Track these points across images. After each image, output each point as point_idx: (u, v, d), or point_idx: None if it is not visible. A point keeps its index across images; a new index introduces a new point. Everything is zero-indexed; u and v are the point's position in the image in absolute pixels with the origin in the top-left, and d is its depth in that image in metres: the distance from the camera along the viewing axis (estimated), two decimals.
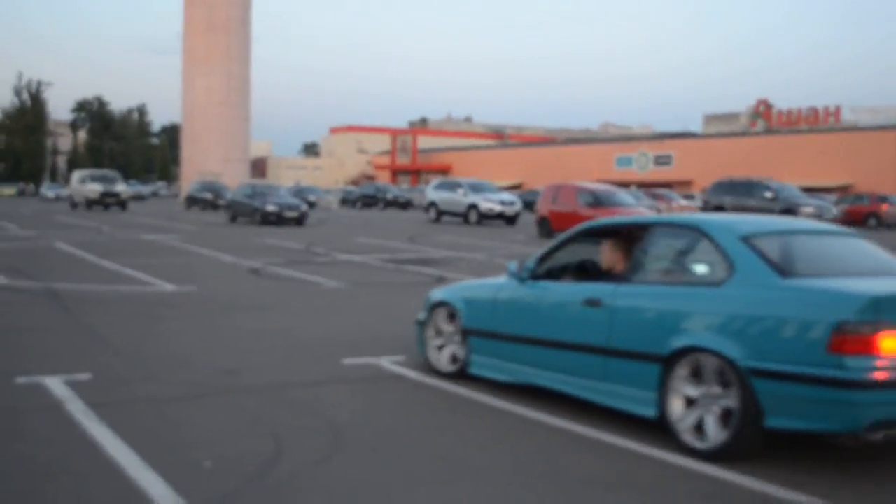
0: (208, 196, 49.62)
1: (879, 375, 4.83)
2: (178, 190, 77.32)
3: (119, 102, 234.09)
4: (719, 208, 33.74)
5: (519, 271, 7.03)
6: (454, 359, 7.55)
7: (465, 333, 7.37)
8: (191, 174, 64.52)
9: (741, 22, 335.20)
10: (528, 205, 44.73)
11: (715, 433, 5.36)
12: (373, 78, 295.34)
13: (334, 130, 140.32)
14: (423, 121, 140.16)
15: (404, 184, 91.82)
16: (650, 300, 5.95)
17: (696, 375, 5.53)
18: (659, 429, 5.75)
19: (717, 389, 5.41)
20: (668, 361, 5.62)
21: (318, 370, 7.87)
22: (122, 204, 45.82)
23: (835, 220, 32.64)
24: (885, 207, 40.86)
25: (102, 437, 5.57)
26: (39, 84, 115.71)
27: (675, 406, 5.59)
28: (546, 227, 28.45)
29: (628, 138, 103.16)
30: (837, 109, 79.54)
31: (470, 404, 6.75)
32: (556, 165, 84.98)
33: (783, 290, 5.29)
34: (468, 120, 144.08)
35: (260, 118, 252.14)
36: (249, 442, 5.60)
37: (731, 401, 5.29)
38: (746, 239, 5.70)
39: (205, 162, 65.37)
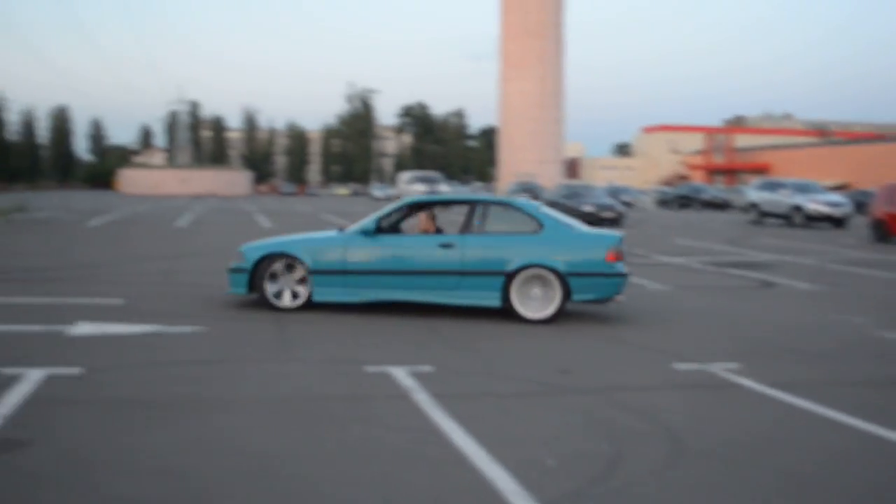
0: (525, 196, 50.85)
1: (624, 270, 10.33)
2: (494, 190, 79.70)
3: (439, 107, 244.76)
4: None
5: (357, 232, 10.53)
6: (294, 296, 10.61)
7: (310, 274, 10.46)
8: (507, 175, 66.41)
9: None
10: (858, 206, 41.99)
11: (549, 308, 10.16)
12: (685, 77, 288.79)
13: (648, 130, 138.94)
14: (739, 119, 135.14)
15: (718, 184, 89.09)
16: (492, 241, 10.39)
17: (534, 279, 10.22)
18: None
19: (548, 286, 10.20)
20: (511, 276, 10.17)
21: (649, 374, 7.85)
22: None
23: None
24: None
25: (448, 428, 5.85)
26: (368, 92, 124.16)
27: (516, 298, 10.20)
28: (881, 230, 26.30)
29: None
30: None
31: (809, 417, 6.46)
32: (888, 164, 78.72)
33: (578, 236, 10.43)
34: (787, 117, 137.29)
35: (572, 120, 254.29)
36: (587, 442, 5.68)
37: (556, 291, 10.15)
38: (538, 209, 10.75)
39: (520, 163, 67.03)
